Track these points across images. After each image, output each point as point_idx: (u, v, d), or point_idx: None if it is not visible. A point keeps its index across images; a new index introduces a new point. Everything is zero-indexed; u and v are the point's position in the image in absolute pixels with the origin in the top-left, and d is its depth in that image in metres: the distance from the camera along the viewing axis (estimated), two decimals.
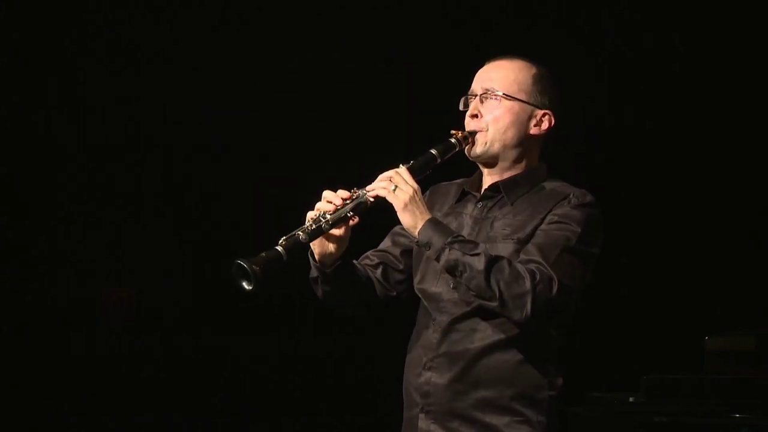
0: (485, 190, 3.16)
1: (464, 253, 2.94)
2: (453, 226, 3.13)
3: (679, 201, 6.12)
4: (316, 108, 6.18)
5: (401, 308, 3.26)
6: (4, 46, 6.09)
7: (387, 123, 5.95)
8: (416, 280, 3.18)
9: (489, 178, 3.18)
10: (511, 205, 3.11)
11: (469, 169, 3.23)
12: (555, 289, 2.92)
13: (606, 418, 4.81)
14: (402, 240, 3.25)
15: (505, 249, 3.03)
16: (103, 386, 6.22)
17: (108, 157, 6.29)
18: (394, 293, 3.23)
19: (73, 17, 6.12)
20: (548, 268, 2.93)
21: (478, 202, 3.16)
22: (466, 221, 3.14)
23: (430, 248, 2.98)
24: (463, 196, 3.21)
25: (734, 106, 6.05)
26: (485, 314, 3.03)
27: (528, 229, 3.05)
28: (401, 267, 3.23)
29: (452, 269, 2.96)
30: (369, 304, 3.22)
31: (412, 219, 3.00)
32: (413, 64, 6.11)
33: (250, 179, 6.30)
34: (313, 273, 3.13)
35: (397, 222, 3.14)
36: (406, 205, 2.99)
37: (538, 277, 2.92)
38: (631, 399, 4.78)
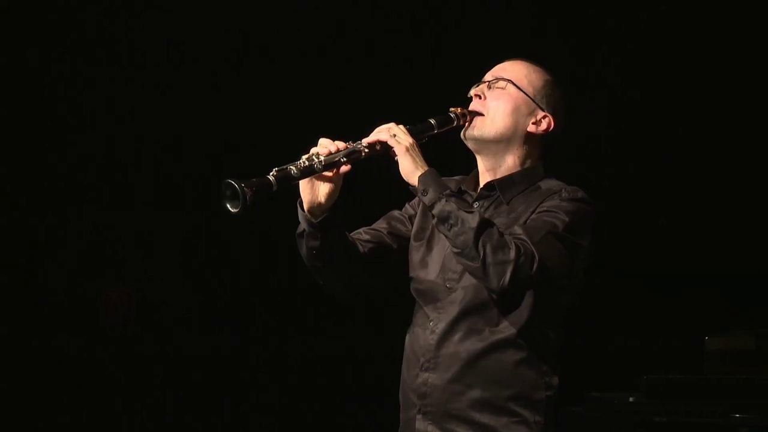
0: (481, 189, 3.18)
1: (459, 208, 2.94)
2: None
3: (678, 201, 6.12)
4: (315, 103, 6.18)
5: (401, 308, 3.26)
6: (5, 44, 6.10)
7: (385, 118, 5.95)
8: (411, 274, 3.17)
9: (486, 174, 3.19)
10: (507, 204, 3.13)
11: (467, 166, 3.23)
12: (535, 267, 2.91)
13: (606, 418, 4.80)
14: (398, 226, 3.25)
15: None
16: (103, 386, 6.21)
17: (108, 157, 6.28)
18: (380, 266, 3.20)
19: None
20: (531, 246, 2.93)
21: (475, 201, 3.16)
22: None
23: (426, 194, 2.97)
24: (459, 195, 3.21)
25: (734, 106, 6.05)
26: (483, 315, 3.03)
27: (520, 223, 3.05)
28: (395, 247, 3.21)
29: (444, 220, 2.95)
30: (353, 273, 3.17)
31: (412, 164, 3.00)
32: (415, 61, 6.12)
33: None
34: (300, 227, 3.10)
35: (394, 206, 3.14)
36: (407, 150, 3.00)
37: (522, 251, 2.91)
38: (631, 399, 4.77)
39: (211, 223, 6.33)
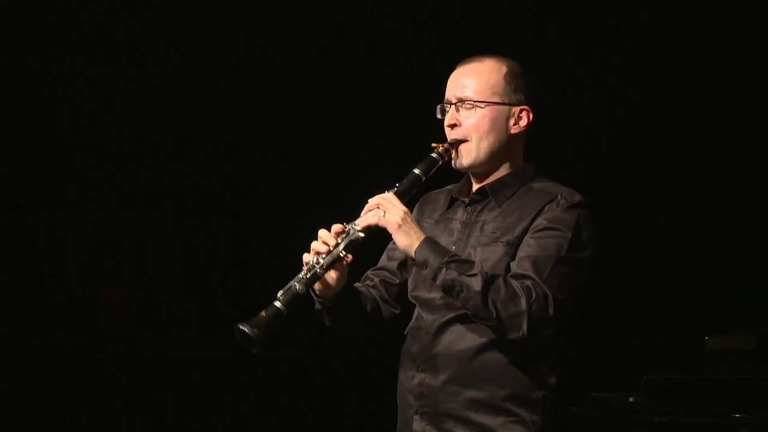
0: (473, 194, 3.18)
1: (461, 273, 2.96)
2: (443, 232, 3.16)
3: (678, 201, 6.12)
4: (312, 109, 6.19)
5: (401, 309, 3.27)
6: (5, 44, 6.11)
7: (382, 119, 5.96)
8: (410, 287, 3.20)
9: (477, 182, 3.19)
10: (500, 207, 3.12)
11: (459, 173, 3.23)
12: (551, 307, 2.94)
13: (606, 418, 4.80)
14: (397, 254, 3.27)
15: (494, 252, 3.05)
16: (103, 386, 6.22)
17: (108, 156, 6.29)
18: (398, 310, 3.26)
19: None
20: (543, 285, 2.95)
21: (467, 206, 3.16)
22: (455, 226, 3.15)
23: (426, 267, 2.99)
24: (452, 203, 3.22)
25: (734, 106, 6.05)
26: None
27: (517, 231, 3.06)
28: (398, 281, 3.26)
29: (449, 289, 2.98)
30: (376, 327, 3.24)
31: (407, 239, 3.02)
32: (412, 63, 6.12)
33: (252, 177, 6.30)
34: (317, 306, 3.16)
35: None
36: (399, 226, 3.01)
37: (533, 296, 2.93)
38: (631, 399, 4.77)
39: (211, 222, 6.33)
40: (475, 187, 3.19)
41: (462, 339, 3.05)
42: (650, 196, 6.14)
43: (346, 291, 3.12)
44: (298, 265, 3.12)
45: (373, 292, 3.24)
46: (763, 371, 4.86)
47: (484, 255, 3.05)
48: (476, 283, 2.93)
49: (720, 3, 5.98)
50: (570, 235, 3.02)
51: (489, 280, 2.94)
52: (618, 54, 6.10)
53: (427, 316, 3.11)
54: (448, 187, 3.26)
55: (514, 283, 2.95)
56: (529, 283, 2.95)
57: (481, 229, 3.10)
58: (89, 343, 6.27)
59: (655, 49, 6.09)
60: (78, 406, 6.15)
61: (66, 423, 6.12)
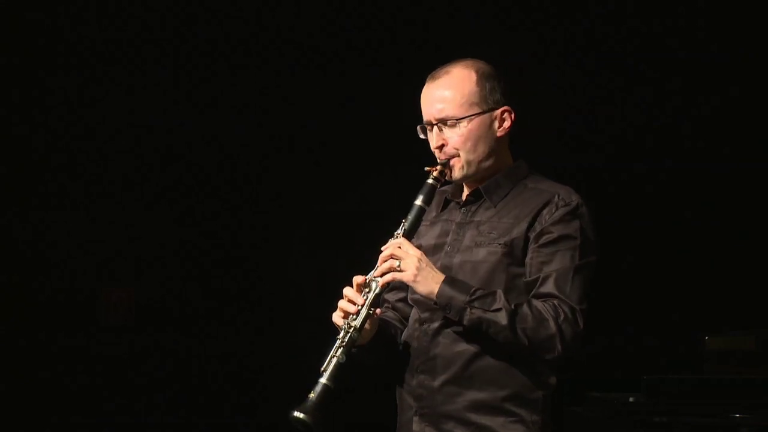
0: (467, 195, 3.18)
1: (485, 311, 2.97)
2: (438, 233, 3.16)
3: (679, 201, 6.11)
4: (312, 108, 6.18)
5: None
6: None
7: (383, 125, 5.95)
8: (410, 290, 3.19)
9: (469, 185, 3.19)
10: (495, 207, 3.12)
11: None
12: (580, 320, 2.98)
13: (606, 418, 4.80)
14: None
15: (492, 254, 3.05)
16: (102, 386, 6.21)
17: (109, 156, 6.28)
18: None
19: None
20: (568, 300, 2.97)
21: (462, 207, 3.16)
22: (451, 227, 3.15)
23: (450, 311, 2.99)
24: (446, 204, 3.22)
25: (734, 106, 6.04)
26: None
27: (514, 233, 3.06)
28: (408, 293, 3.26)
29: (478, 327, 2.98)
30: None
31: (426, 287, 3.02)
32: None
33: (252, 177, 6.29)
34: (353, 351, 3.14)
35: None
36: (416, 277, 3.02)
37: (561, 316, 2.96)
38: (631, 399, 4.77)
39: (211, 222, 6.32)
40: (469, 189, 3.18)
41: (461, 340, 3.05)
42: (650, 196, 6.13)
43: (377, 333, 3.13)
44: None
45: (395, 314, 3.26)
46: (763, 371, 4.86)
47: (481, 255, 3.06)
48: (502, 318, 2.95)
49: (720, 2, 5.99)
50: (579, 241, 3.03)
51: (514, 312, 2.96)
52: (618, 52, 6.09)
53: (425, 318, 3.11)
54: (445, 187, 3.25)
55: (539, 305, 2.97)
56: (555, 302, 2.97)
57: (477, 229, 3.10)
58: (89, 342, 6.27)
59: (656, 48, 6.08)
60: (77, 406, 6.15)
61: (66, 423, 6.11)
